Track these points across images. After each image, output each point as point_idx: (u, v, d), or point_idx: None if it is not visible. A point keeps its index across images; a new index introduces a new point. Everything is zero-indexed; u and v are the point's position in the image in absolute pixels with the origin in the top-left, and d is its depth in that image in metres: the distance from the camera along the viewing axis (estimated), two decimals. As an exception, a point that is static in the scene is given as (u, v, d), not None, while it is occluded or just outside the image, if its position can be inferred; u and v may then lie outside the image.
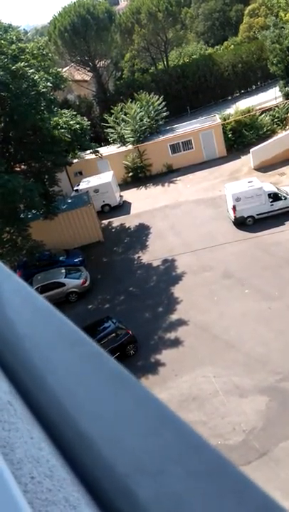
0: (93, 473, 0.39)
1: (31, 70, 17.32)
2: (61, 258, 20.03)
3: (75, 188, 25.18)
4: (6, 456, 0.46)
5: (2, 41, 17.13)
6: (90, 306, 17.61)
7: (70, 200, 22.63)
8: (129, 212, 24.07)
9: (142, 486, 0.35)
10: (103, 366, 0.47)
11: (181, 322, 15.16)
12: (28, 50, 18.68)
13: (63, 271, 18.51)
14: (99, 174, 25.43)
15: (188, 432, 0.38)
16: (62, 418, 0.44)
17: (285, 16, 26.57)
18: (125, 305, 16.98)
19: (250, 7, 39.59)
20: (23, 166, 20.16)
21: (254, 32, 35.19)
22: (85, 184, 24.70)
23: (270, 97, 29.52)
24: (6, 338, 0.56)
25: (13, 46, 17.29)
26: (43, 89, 17.88)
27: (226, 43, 39.62)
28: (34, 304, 0.63)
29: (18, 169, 19.64)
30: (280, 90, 28.72)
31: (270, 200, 19.16)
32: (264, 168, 23.52)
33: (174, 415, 0.40)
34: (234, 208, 19.17)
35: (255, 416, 11.33)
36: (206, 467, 0.36)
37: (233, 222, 19.60)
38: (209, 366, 13.02)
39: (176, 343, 14.42)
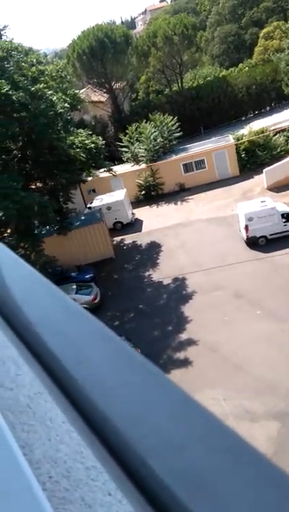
0: (121, 459, 0.41)
1: (50, 92, 17.96)
2: (72, 274, 20.16)
3: (88, 206, 25.54)
4: (26, 456, 0.49)
5: (23, 64, 17.82)
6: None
7: (83, 217, 22.94)
8: (140, 230, 24.20)
9: (164, 460, 0.37)
10: (132, 360, 0.50)
11: (190, 342, 14.96)
12: (47, 73, 19.37)
13: (74, 287, 18.59)
14: (112, 192, 25.77)
15: (209, 415, 0.40)
16: (88, 410, 0.45)
17: (300, 39, 26.97)
18: (135, 323, 16.88)
19: (265, 30, 40.35)
20: (38, 184, 20.58)
21: (269, 54, 35.73)
22: (98, 202, 25.03)
23: (284, 117, 29.71)
24: (42, 338, 0.58)
25: (33, 68, 17.97)
26: (61, 110, 18.43)
27: (240, 65, 40.30)
28: (65, 304, 0.67)
29: (34, 187, 20.06)
30: (294, 111, 28.89)
31: (284, 220, 19.03)
32: (277, 188, 23.47)
33: (196, 402, 0.42)
34: (246, 227, 19.08)
35: (266, 442, 10.96)
36: (225, 444, 0.38)
37: (245, 241, 19.49)
38: (219, 388, 12.73)
39: (185, 363, 14.20)
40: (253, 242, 19.20)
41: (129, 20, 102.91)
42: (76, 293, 18.20)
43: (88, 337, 0.56)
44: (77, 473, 0.47)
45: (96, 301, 18.19)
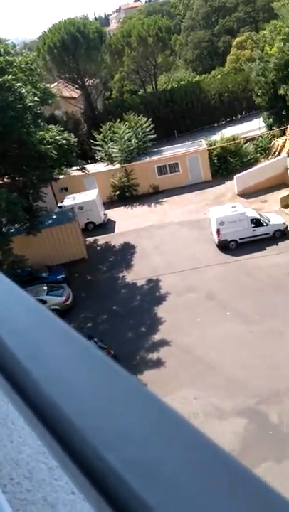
0: (81, 458, 0.39)
1: (18, 84, 17.25)
2: (43, 275, 19.78)
3: (59, 205, 25.13)
4: None
5: (-12, 53, 17.14)
6: (72, 325, 16.60)
7: (54, 216, 22.51)
8: (114, 231, 24.21)
9: (119, 452, 0.36)
10: (91, 356, 0.48)
11: (163, 343, 15.24)
12: (16, 64, 18.64)
13: (45, 288, 18.28)
14: (84, 191, 25.53)
15: (171, 412, 0.39)
16: (47, 410, 0.43)
17: (270, 50, 27.94)
18: (108, 324, 16.94)
19: (237, 39, 41.50)
20: (6, 180, 19.96)
21: (240, 64, 36.80)
22: (69, 201, 24.72)
23: (254, 126, 30.77)
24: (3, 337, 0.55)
25: (1, 59, 17.27)
26: (30, 103, 17.84)
27: (213, 72, 41.22)
28: (23, 300, 0.64)
29: (1, 182, 19.43)
30: (263, 121, 29.98)
31: (253, 225, 19.77)
32: (247, 194, 24.31)
33: (160, 400, 0.41)
34: (218, 231, 19.65)
35: (233, 438, 11.42)
36: (181, 437, 0.37)
37: (216, 245, 20.06)
38: (190, 388, 13.09)
39: (157, 363, 14.46)
40: (224, 246, 19.80)
41: (103, 16, 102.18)
42: (47, 294, 17.91)
43: (48, 336, 0.53)
44: (39, 474, 0.47)
45: (68, 302, 18.01)
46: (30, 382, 0.45)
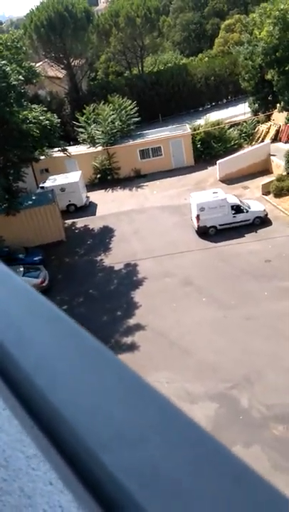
0: (66, 449, 0.37)
1: (3, 62, 17.13)
2: (20, 256, 19.55)
3: (40, 185, 24.72)
4: None
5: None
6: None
7: (34, 197, 22.21)
8: (94, 214, 23.92)
9: (119, 453, 0.34)
10: (82, 342, 0.46)
11: (138, 327, 15.21)
12: (1, 41, 18.39)
13: (21, 269, 18.04)
14: (66, 173, 25.11)
15: (168, 404, 0.37)
16: (32, 396, 0.41)
17: (259, 34, 27.47)
18: (84, 307, 16.81)
19: (226, 22, 40.77)
20: (-14, 158, 19.53)
21: (228, 47, 36.23)
22: (51, 182, 24.30)
23: (239, 111, 30.46)
24: None
25: None
26: (14, 82, 17.60)
27: (200, 55, 40.52)
28: (6, 279, 0.60)
29: (-19, 161, 19.03)
30: (249, 106, 29.66)
31: (233, 212, 19.70)
32: (229, 180, 24.19)
33: (153, 389, 0.39)
34: (198, 217, 19.54)
35: (204, 422, 11.50)
36: (184, 436, 0.35)
37: (196, 231, 19.97)
38: (164, 372, 13.13)
39: (132, 347, 14.44)
40: (203, 232, 19.73)
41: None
42: (23, 275, 17.66)
43: (33, 316, 0.51)
44: (16, 462, 0.45)
45: (44, 284, 17.82)
46: (13, 366, 0.44)
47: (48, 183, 24.19)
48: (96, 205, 24.76)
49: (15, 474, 0.44)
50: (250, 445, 10.77)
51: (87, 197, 25.14)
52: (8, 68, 17.24)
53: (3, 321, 0.51)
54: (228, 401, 12.06)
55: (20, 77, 18.41)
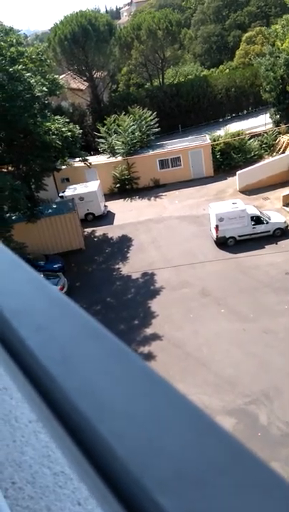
0: (94, 460, 0.33)
1: (28, 74, 17.59)
2: (40, 263, 19.82)
3: (60, 194, 25.11)
4: None
5: (2, 43, 17.27)
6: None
7: (54, 206, 22.53)
8: (112, 223, 24.08)
9: (180, 495, 0.30)
10: (132, 364, 0.42)
11: (155, 337, 15.11)
12: (26, 54, 18.94)
13: (42, 276, 18.27)
14: (86, 182, 25.45)
15: (231, 440, 0.33)
16: (77, 424, 0.37)
17: (282, 45, 27.48)
18: (101, 315, 16.83)
19: (247, 34, 40.92)
20: (10, 168, 20.04)
21: (250, 58, 36.30)
22: (70, 191, 24.66)
23: (259, 122, 30.37)
24: (19, 329, 0.49)
25: (13, 49, 17.50)
26: (38, 94, 18.06)
27: (221, 67, 40.71)
28: (49, 293, 0.56)
29: (5, 170, 19.51)
30: (270, 117, 29.59)
31: (253, 223, 19.50)
32: (249, 191, 24.01)
33: (214, 421, 0.34)
34: (217, 227, 19.42)
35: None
36: (254, 478, 0.31)
37: (214, 241, 19.84)
38: (180, 383, 12.95)
39: (148, 357, 14.33)
40: (222, 242, 19.57)
41: (114, 10, 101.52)
42: (43, 282, 17.90)
43: (78, 333, 0.47)
44: (43, 479, 0.42)
45: (63, 291, 17.98)
46: (56, 387, 0.40)
47: (68, 192, 24.56)
48: (114, 214, 24.94)
49: (41, 492, 0.42)
50: (268, 463, 10.37)
51: (106, 206, 25.38)
52: (32, 80, 17.71)
53: (43, 335, 0.47)
54: (247, 417, 11.78)
55: (44, 88, 18.84)
